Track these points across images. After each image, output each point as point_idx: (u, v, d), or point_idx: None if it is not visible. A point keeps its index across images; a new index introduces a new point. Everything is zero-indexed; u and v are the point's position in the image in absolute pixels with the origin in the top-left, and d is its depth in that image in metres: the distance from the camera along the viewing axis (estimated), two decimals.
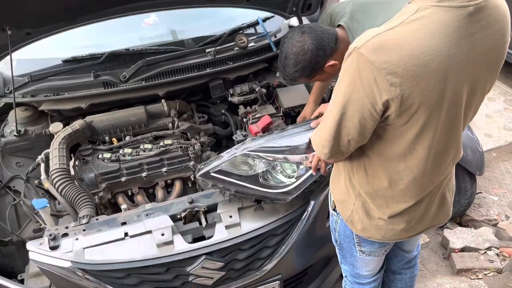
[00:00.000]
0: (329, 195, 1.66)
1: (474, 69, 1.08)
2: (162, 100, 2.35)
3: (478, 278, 2.60)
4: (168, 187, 2.24)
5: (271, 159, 1.79)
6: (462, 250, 2.75)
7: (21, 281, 1.88)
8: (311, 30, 1.79)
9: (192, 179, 2.25)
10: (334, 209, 1.60)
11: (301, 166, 1.88)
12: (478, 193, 3.20)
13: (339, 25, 1.92)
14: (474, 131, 2.93)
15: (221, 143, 2.58)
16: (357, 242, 1.58)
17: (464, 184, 2.83)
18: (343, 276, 1.88)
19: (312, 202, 1.90)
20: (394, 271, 1.95)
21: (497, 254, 2.72)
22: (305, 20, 2.68)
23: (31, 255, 1.68)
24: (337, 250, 1.79)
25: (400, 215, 1.38)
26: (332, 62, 1.78)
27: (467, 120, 1.25)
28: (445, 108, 1.10)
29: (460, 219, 3.06)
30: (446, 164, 1.30)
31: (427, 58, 1.00)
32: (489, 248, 2.75)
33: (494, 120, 4.11)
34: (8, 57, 2.00)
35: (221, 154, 1.87)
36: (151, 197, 2.21)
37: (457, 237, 2.82)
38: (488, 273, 2.62)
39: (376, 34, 1.02)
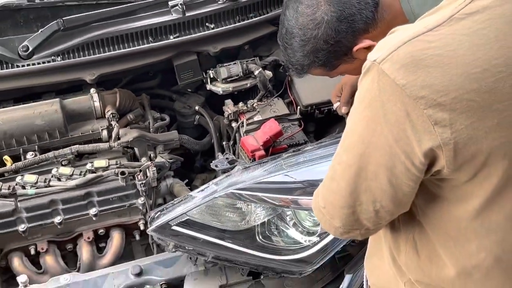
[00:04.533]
0: (364, 277, 1.34)
1: None
2: (92, 90, 1.81)
3: None
4: (99, 241, 1.72)
5: (277, 203, 1.36)
6: None
7: None
8: None
9: (142, 228, 1.72)
10: None
11: None
12: None
13: None
14: None
15: (193, 163, 2.00)
16: None
17: None
18: None
19: (348, 277, 1.46)
20: None
21: None
22: None
23: None
24: None
25: None
26: (367, 43, 1.28)
27: None
28: None
29: None
30: None
31: (493, 78, 0.81)
32: None
33: None
34: None
35: (191, 193, 1.42)
36: (71, 259, 1.70)
37: None
38: None
39: (408, 39, 0.81)
